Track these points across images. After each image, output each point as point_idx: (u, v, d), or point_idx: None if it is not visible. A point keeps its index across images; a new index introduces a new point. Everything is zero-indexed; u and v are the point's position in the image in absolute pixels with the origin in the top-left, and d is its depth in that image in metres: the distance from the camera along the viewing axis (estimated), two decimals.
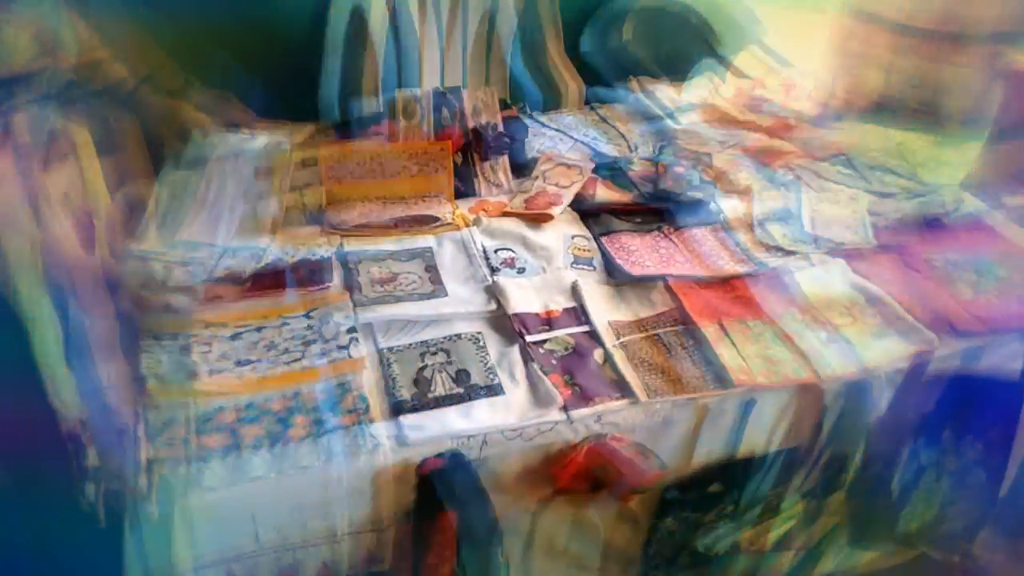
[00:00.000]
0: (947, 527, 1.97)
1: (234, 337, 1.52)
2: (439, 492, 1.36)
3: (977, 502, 1.93)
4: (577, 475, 1.43)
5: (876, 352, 1.58)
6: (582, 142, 2.14)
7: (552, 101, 2.55)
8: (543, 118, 2.29)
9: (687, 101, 2.30)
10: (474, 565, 1.42)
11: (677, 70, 2.45)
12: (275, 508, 1.31)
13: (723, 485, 1.60)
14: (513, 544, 1.52)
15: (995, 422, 1.80)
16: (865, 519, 1.86)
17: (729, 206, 1.97)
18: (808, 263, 1.80)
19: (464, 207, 1.93)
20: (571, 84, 2.65)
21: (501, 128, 2.01)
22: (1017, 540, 1.97)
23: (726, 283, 1.71)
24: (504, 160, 2.02)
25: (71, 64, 1.41)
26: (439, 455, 1.35)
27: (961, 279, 1.78)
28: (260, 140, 1.89)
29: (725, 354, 1.51)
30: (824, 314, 1.66)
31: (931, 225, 1.94)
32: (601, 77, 2.48)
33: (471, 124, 2.01)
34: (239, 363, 1.47)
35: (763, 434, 1.57)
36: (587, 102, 2.45)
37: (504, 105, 2.16)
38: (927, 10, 2.00)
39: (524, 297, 1.62)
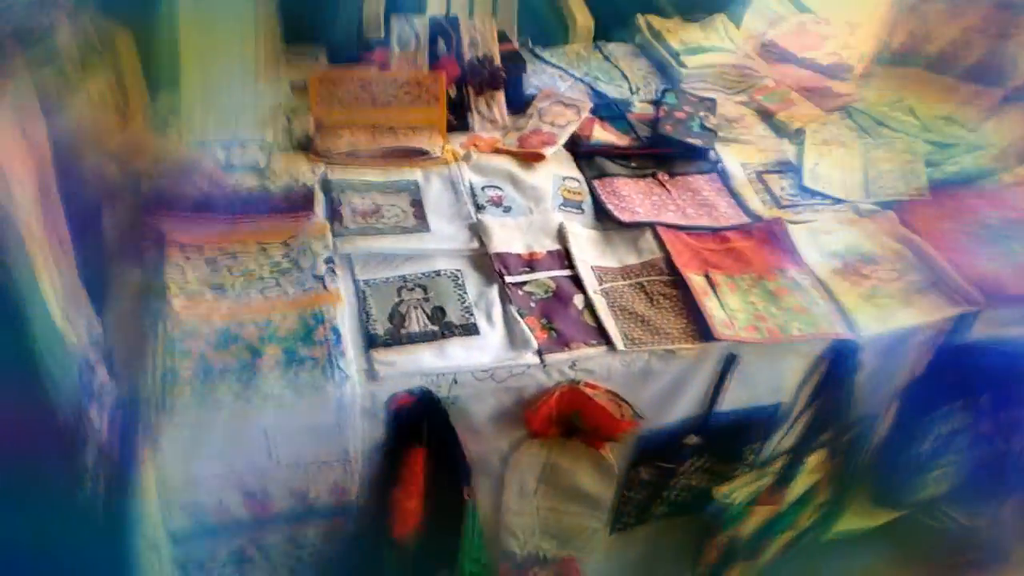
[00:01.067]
0: (975, 493, 1.97)
1: (209, 263, 1.48)
2: (408, 428, 1.35)
3: (1009, 471, 1.92)
4: (549, 419, 1.41)
5: (915, 310, 1.55)
6: (582, 81, 2.07)
7: (561, 35, 2.48)
8: (545, 54, 2.21)
9: (695, 43, 2.20)
10: (440, 502, 1.42)
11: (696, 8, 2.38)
12: (243, 434, 1.29)
13: (701, 438, 1.58)
14: (484, 484, 1.52)
15: None
16: (882, 481, 1.85)
17: (730, 154, 1.91)
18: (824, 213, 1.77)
19: (456, 141, 1.87)
20: (579, 18, 2.57)
21: (498, 62, 1.94)
22: None
23: (717, 234, 1.67)
24: (500, 95, 1.95)
25: None
26: (409, 392, 1.33)
27: (1015, 240, 1.73)
28: None
29: (709, 306, 1.47)
30: (859, 267, 1.63)
31: (988, 182, 1.89)
32: (617, 12, 2.40)
33: (467, 56, 1.94)
34: (214, 288, 1.44)
35: (748, 389, 1.55)
36: (599, 38, 2.37)
37: (504, 38, 2.08)
38: None
39: (508, 237, 1.58)
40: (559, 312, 1.46)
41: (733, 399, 1.55)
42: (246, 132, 1.70)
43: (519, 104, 1.99)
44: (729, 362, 1.46)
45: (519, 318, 1.42)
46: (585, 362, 1.39)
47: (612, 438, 1.44)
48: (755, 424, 1.60)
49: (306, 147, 1.78)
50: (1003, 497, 2.08)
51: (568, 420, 1.42)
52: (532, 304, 1.47)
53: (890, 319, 1.52)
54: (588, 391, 1.39)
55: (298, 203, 1.61)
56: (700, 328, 1.44)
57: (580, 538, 1.65)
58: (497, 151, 1.84)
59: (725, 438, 1.60)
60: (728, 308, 1.48)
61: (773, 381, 1.56)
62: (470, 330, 1.40)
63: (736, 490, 1.66)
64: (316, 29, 2.04)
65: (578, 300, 1.48)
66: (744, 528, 1.71)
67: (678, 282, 1.53)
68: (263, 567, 1.48)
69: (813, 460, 1.71)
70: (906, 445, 1.79)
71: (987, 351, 1.68)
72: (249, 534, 1.43)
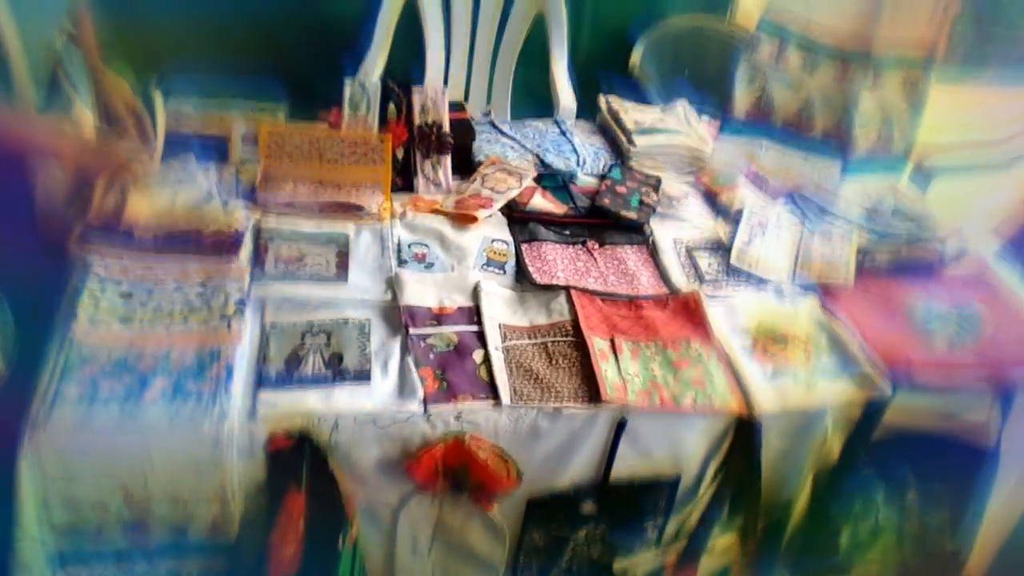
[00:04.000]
0: None
1: (124, 296, 1.53)
2: (286, 472, 1.36)
3: (944, 570, 1.86)
4: (434, 472, 1.41)
5: (819, 392, 1.55)
6: (532, 152, 2.13)
7: (549, 114, 2.58)
8: (505, 126, 2.29)
9: (648, 124, 2.27)
10: (320, 550, 1.41)
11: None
12: (120, 461, 1.31)
13: (597, 505, 1.56)
14: (374, 537, 1.51)
15: (965, 488, 1.74)
16: (799, 572, 1.80)
17: (664, 230, 1.94)
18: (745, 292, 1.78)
19: (399, 201, 1.93)
20: (563, 99, 2.68)
21: (446, 129, 2.01)
22: None
23: (632, 302, 1.68)
24: (446, 160, 2.01)
25: None
26: (287, 434, 1.34)
27: (938, 330, 1.73)
28: None
29: (605, 369, 1.47)
30: (769, 347, 1.63)
31: (924, 271, 1.90)
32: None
33: (417, 122, 2.01)
34: (121, 320, 1.48)
35: (646, 459, 1.54)
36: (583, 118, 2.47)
37: (458, 107, 2.17)
38: (837, 29, 1.94)
39: (421, 291, 1.61)
40: (455, 365, 1.47)
41: (631, 469, 1.53)
42: None
43: (466, 170, 2.06)
44: (620, 427, 1.46)
45: (413, 368, 1.44)
46: (470, 415, 1.40)
47: (496, 496, 1.43)
48: (655, 496, 1.58)
49: (251, 197, 1.85)
50: None
51: (455, 474, 1.42)
52: (431, 356, 1.49)
53: (788, 400, 1.51)
54: (473, 445, 1.39)
55: (224, 247, 1.67)
56: (591, 390, 1.44)
57: None
58: (434, 211, 1.89)
59: (623, 508, 1.57)
60: (625, 373, 1.49)
61: (672, 452, 1.54)
62: (362, 377, 1.42)
63: (637, 567, 1.62)
64: (279, 87, 2.15)
65: (477, 355, 1.50)
66: None
67: (581, 344, 1.54)
68: None
69: (722, 543, 1.67)
70: (822, 537, 1.74)
71: (908, 441, 1.65)
72: (131, 565, 1.43)
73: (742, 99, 2.05)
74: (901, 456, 1.67)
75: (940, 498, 1.76)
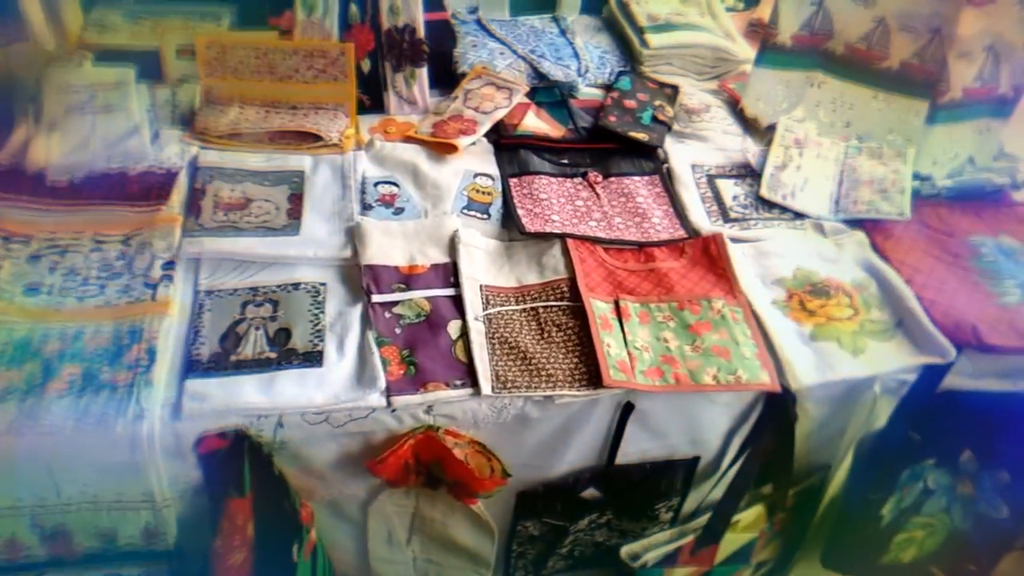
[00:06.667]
0: (956, 558, 1.71)
1: (33, 258, 1.28)
2: (224, 475, 1.14)
3: (995, 535, 1.66)
4: (404, 469, 1.18)
5: (867, 357, 1.28)
6: (524, 59, 1.80)
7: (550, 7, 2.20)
8: (495, 26, 1.93)
9: (664, 18, 1.91)
10: (270, 556, 1.21)
11: None
12: (24, 467, 1.10)
13: (602, 493, 1.34)
14: (344, 530, 1.31)
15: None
16: (836, 542, 1.60)
17: (681, 153, 1.63)
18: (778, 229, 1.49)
19: (366, 124, 1.63)
20: None
21: (420, 33, 1.68)
22: None
23: (642, 250, 1.40)
24: (421, 72, 1.69)
25: None
26: (221, 434, 1.11)
27: (1010, 276, 1.43)
28: None
29: (607, 343, 1.21)
30: (807, 301, 1.35)
31: (992, 199, 1.59)
32: None
33: (385, 25, 1.68)
34: (28, 289, 1.23)
35: (659, 440, 1.31)
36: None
37: (436, 6, 1.82)
38: None
39: (387, 245, 1.34)
40: (426, 342, 1.22)
41: (640, 450, 1.30)
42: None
43: (447, 83, 1.74)
44: (626, 411, 1.21)
45: (374, 348, 1.19)
46: (443, 406, 1.16)
47: (478, 495, 1.21)
48: (669, 478, 1.36)
49: (187, 123, 1.56)
50: (991, 558, 1.81)
51: (429, 470, 1.19)
52: (397, 330, 1.23)
53: (831, 368, 1.25)
54: (448, 439, 1.16)
55: (154, 190, 1.40)
56: (591, 371, 1.19)
57: None
58: (408, 139, 1.59)
59: (632, 494, 1.35)
60: (632, 345, 1.23)
61: (690, 432, 1.31)
62: (312, 360, 1.17)
63: (649, 549, 1.41)
64: None
65: (453, 328, 1.24)
66: None
67: (579, 310, 1.27)
68: None
69: (748, 516, 1.46)
70: (864, 504, 1.52)
71: (966, 402, 1.41)
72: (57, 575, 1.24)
73: (790, 16, 1.65)
74: (956, 416, 1.43)
75: (995, 460, 1.53)
